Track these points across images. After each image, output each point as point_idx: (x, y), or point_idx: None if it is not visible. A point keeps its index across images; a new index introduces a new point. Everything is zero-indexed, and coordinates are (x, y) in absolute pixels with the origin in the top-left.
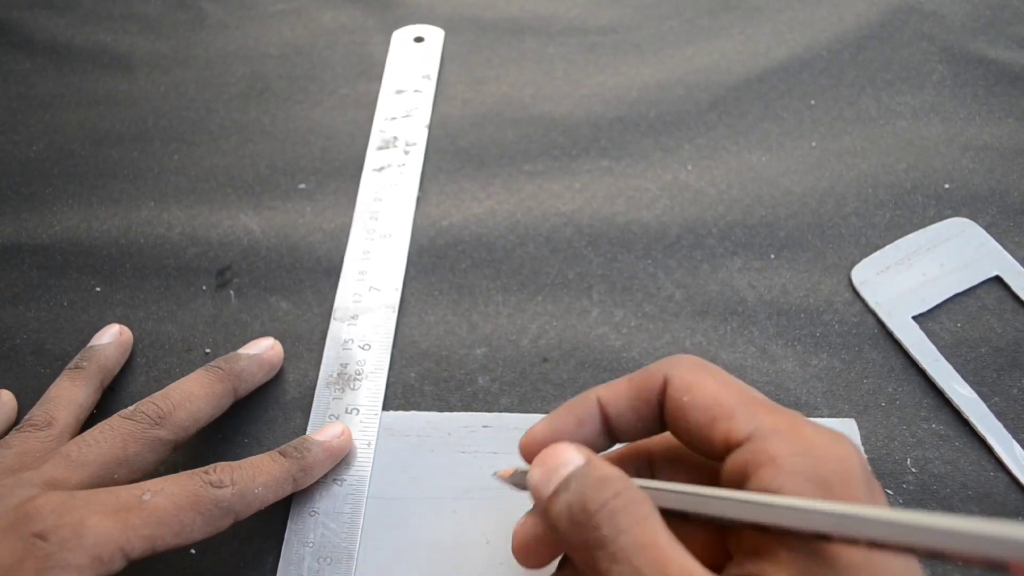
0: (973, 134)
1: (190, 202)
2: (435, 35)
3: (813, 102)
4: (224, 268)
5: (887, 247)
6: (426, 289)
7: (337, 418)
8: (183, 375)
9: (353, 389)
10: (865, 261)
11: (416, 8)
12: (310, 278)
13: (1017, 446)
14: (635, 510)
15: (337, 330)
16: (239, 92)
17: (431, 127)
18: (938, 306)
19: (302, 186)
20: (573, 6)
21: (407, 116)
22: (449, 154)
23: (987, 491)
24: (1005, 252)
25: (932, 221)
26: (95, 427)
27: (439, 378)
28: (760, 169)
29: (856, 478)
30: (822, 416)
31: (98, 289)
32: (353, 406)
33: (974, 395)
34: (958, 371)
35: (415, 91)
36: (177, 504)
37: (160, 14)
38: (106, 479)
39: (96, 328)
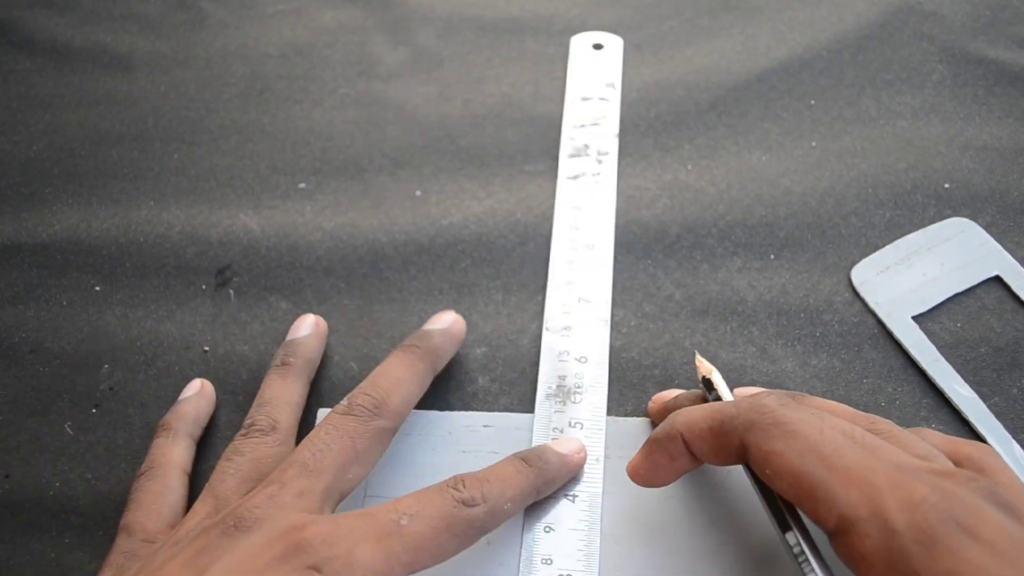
0: (973, 134)
1: (190, 202)
2: (614, 42)
3: (813, 102)
4: (224, 267)
5: (887, 247)
6: (426, 288)
7: (562, 432)
8: (182, 374)
9: (575, 402)
10: (865, 261)
11: (417, 7)
12: (310, 277)
13: (1017, 446)
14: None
15: (552, 342)
16: (239, 92)
17: (431, 128)
18: (938, 306)
19: (302, 186)
20: (573, 6)
21: (596, 124)
22: (449, 153)
23: None
24: (1005, 252)
25: (932, 221)
26: (319, 428)
27: (439, 378)
28: (760, 169)
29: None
30: None
31: (98, 288)
32: (576, 420)
33: (974, 395)
34: (958, 371)
35: (600, 99)
36: (434, 528)
37: (160, 14)
38: (342, 480)
39: (95, 327)
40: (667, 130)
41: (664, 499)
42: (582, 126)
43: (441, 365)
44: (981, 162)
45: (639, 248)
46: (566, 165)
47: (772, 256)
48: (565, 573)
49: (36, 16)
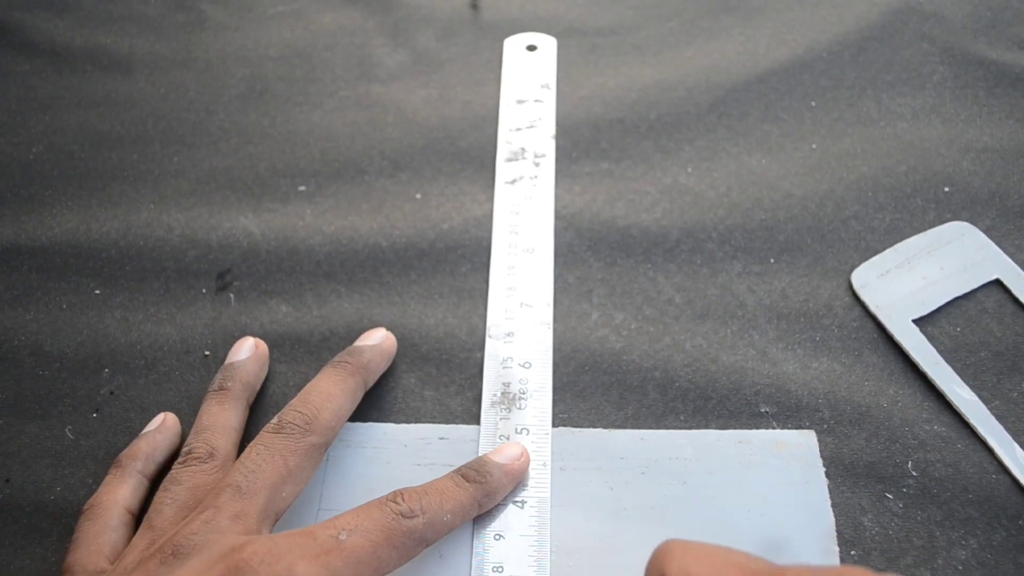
0: (974, 136)
1: (190, 204)
2: (548, 43)
3: (813, 104)
4: (224, 271)
5: (887, 251)
6: (426, 292)
7: (507, 438)
8: (182, 378)
9: (520, 408)
10: (865, 264)
11: (416, 10)
12: (310, 281)
13: (1018, 448)
14: None
15: (495, 348)
16: (239, 94)
17: (431, 130)
18: (938, 310)
19: (302, 188)
20: (573, 7)
21: (531, 127)
22: (449, 156)
23: (988, 494)
24: (1005, 256)
25: (932, 224)
26: (249, 449)
27: (439, 383)
28: (760, 172)
29: None
30: (823, 417)
31: (97, 292)
32: (522, 426)
33: (975, 398)
34: (958, 375)
35: (536, 100)
36: (373, 541)
37: (160, 16)
38: (276, 499)
39: (95, 330)
40: (667, 132)
41: (617, 510)
42: (518, 129)
43: (372, 380)
44: (981, 165)
45: (639, 252)
46: (503, 170)
47: (772, 260)
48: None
49: (36, 18)
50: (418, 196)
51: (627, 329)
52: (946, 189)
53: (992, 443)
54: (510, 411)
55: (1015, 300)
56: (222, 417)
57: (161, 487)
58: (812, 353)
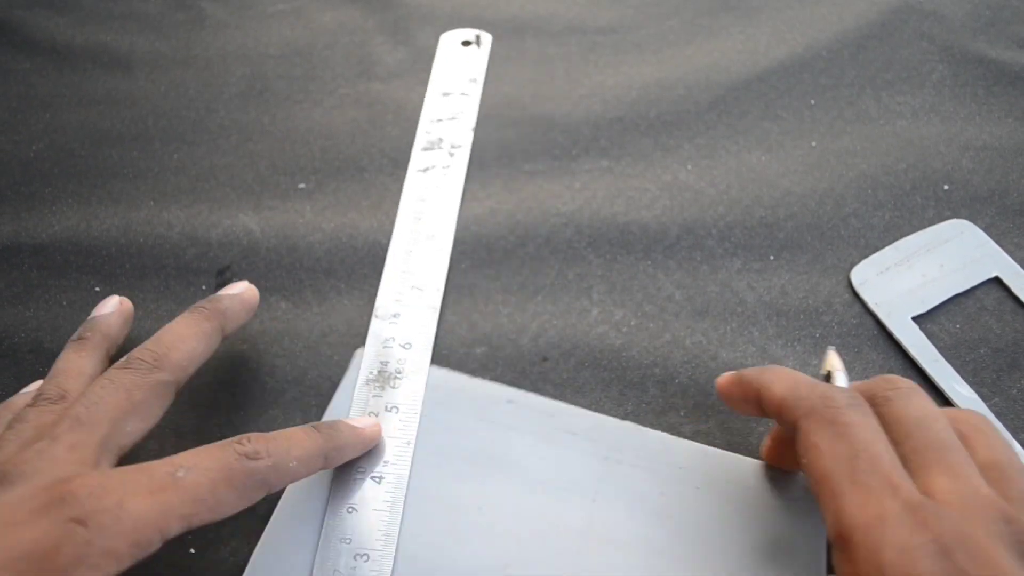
0: (973, 134)
1: (190, 202)
2: (484, 39)
3: (813, 102)
4: (224, 268)
5: (887, 248)
6: None
7: (376, 415)
8: None
9: (393, 388)
10: (865, 262)
11: (416, 8)
12: (309, 278)
13: (1017, 446)
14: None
15: (378, 328)
16: (239, 92)
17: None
18: (937, 307)
19: (302, 186)
20: (573, 5)
21: (453, 119)
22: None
23: None
24: (1004, 253)
25: (931, 222)
26: (95, 383)
27: None
28: (760, 169)
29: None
30: None
31: (97, 289)
32: (393, 404)
33: (974, 395)
34: (958, 372)
35: (461, 94)
36: (212, 480)
37: (160, 14)
38: (119, 433)
39: None
40: (667, 130)
41: (468, 477)
42: (439, 120)
43: (231, 328)
44: (980, 163)
45: (639, 248)
46: (418, 158)
47: (772, 257)
48: (362, 552)
49: (36, 16)
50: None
51: (627, 326)
52: (945, 187)
53: None
54: (383, 389)
55: (1014, 297)
56: (78, 363)
57: (7, 425)
58: (812, 350)
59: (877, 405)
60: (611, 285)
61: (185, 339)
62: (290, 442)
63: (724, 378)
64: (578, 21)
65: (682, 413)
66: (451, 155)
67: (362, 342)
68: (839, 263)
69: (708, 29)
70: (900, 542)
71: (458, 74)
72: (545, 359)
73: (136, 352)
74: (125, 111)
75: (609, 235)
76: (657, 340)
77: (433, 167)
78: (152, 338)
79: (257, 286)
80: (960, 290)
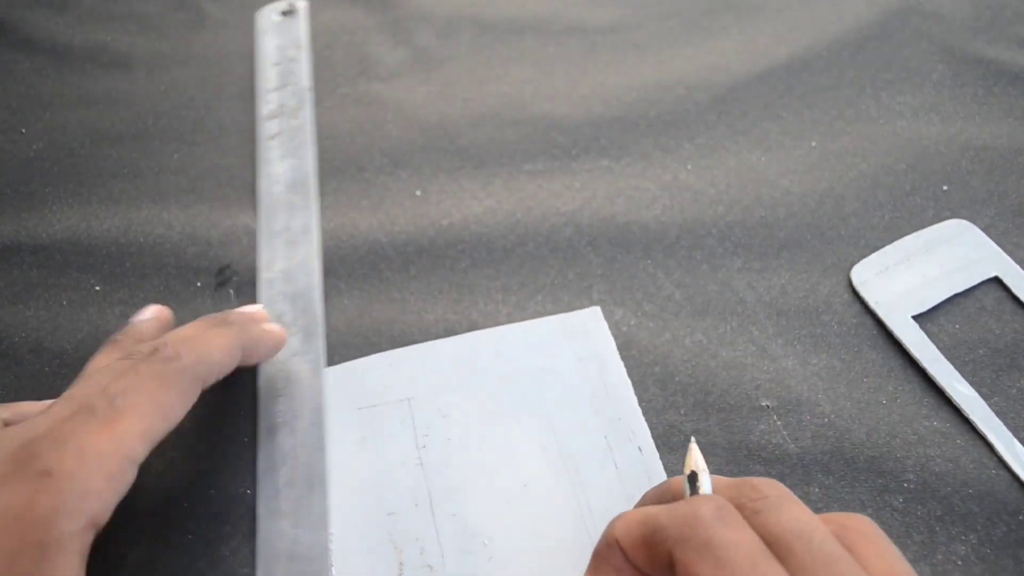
0: (972, 134)
1: (190, 201)
2: (300, 6)
3: (813, 102)
4: (224, 267)
5: (887, 248)
6: (425, 289)
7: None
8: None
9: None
10: (865, 261)
11: (416, 8)
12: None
13: (1018, 444)
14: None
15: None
16: (239, 91)
17: (431, 128)
18: (937, 307)
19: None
20: (573, 5)
21: (286, 85)
22: (449, 153)
23: (988, 489)
24: (1003, 253)
25: (931, 222)
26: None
27: None
28: (760, 169)
29: None
30: (823, 412)
31: (98, 288)
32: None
33: (974, 393)
34: (957, 370)
35: (291, 60)
36: (151, 392)
37: (160, 13)
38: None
39: (96, 327)
40: (667, 130)
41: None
42: (276, 89)
43: (250, 359)
44: (980, 163)
45: (639, 248)
46: (264, 126)
47: (772, 256)
48: (297, 481)
49: (36, 16)
50: (418, 193)
51: (627, 325)
52: (945, 187)
53: (991, 439)
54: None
55: (1014, 297)
56: (106, 363)
57: (28, 422)
58: (812, 349)
59: (746, 518)
60: (611, 284)
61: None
62: (205, 338)
63: None
64: (578, 21)
65: (682, 412)
66: (295, 117)
67: (364, 343)
68: (839, 262)
69: (708, 29)
70: None
71: (283, 43)
72: None
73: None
74: (125, 111)
75: (609, 235)
76: (657, 339)
77: (281, 132)
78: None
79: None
80: (960, 290)
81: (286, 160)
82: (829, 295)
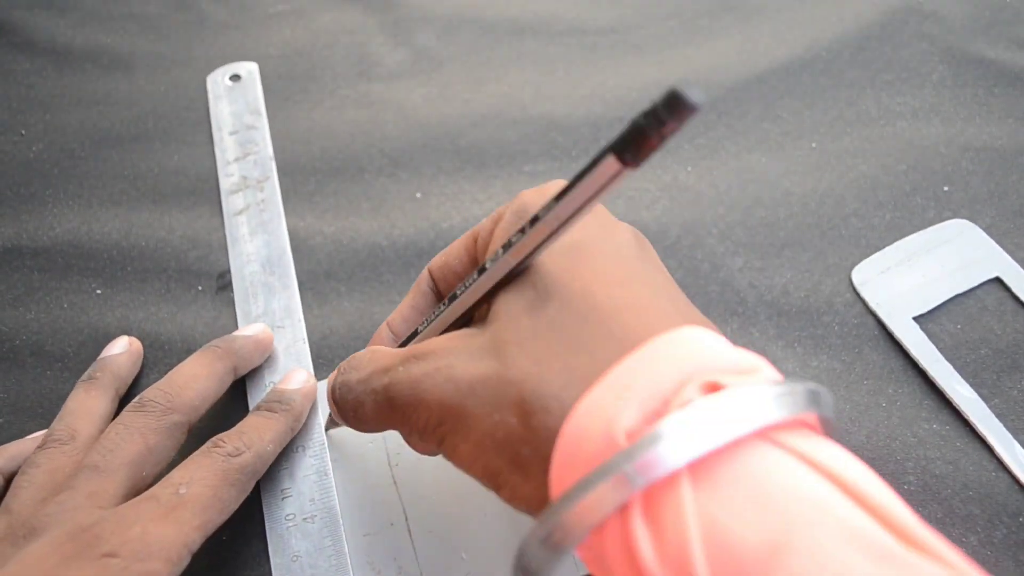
0: (973, 135)
1: (191, 204)
2: (251, 69)
3: (813, 102)
4: (224, 271)
5: (887, 248)
6: None
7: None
8: None
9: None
10: (866, 262)
11: (416, 8)
12: (310, 280)
13: (1018, 446)
14: (358, 361)
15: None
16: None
17: (431, 129)
18: (938, 307)
19: (303, 187)
20: (573, 6)
21: (248, 155)
22: (449, 154)
23: (988, 491)
24: (1005, 253)
25: (932, 223)
26: (109, 429)
27: None
28: (760, 170)
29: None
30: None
31: (99, 291)
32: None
33: (975, 395)
34: (958, 372)
35: (249, 127)
36: (212, 485)
37: (160, 14)
38: (136, 477)
39: (96, 330)
40: None
41: None
42: (236, 160)
43: (244, 368)
44: (980, 164)
45: None
46: (229, 202)
47: (773, 256)
48: (309, 517)
49: (36, 17)
50: (418, 195)
51: None
52: (945, 188)
53: (992, 441)
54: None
55: (1015, 298)
56: (87, 404)
57: (20, 471)
58: (812, 351)
59: None
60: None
61: (197, 379)
62: (259, 430)
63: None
64: (578, 22)
65: None
66: (261, 189)
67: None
68: (840, 262)
69: (708, 30)
70: None
71: (238, 110)
72: None
73: (148, 393)
74: (126, 112)
75: None
76: None
77: (248, 207)
78: (164, 378)
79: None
80: (961, 290)
81: (257, 237)
82: (830, 295)
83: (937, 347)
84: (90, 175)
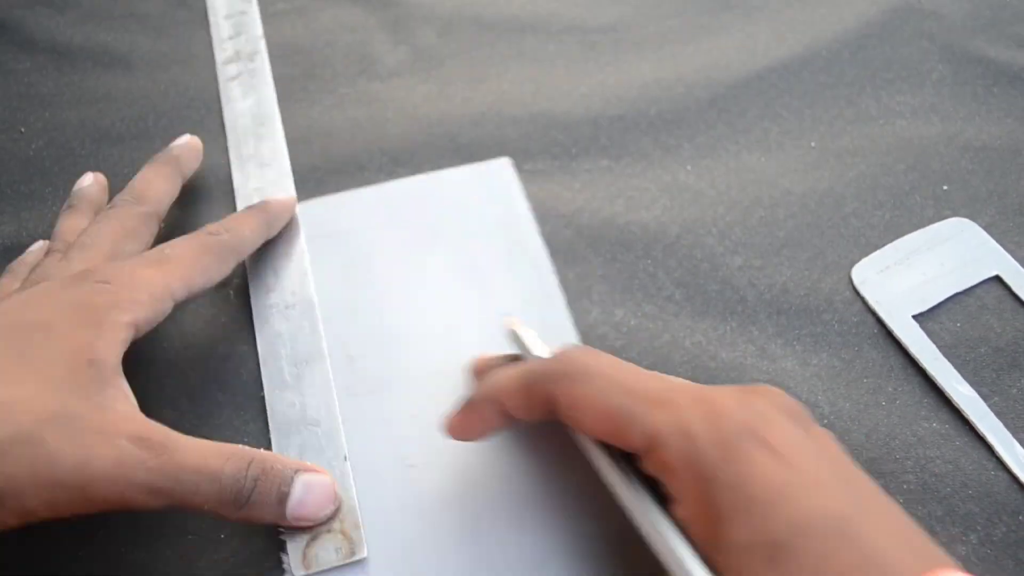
0: (972, 134)
1: (190, 200)
2: None
3: (812, 101)
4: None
5: (887, 247)
6: None
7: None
8: (182, 373)
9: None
10: (865, 260)
11: (417, 7)
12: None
13: (1018, 445)
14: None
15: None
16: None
17: (431, 126)
18: (938, 306)
19: (303, 185)
20: (573, 5)
21: (240, 34)
22: (449, 152)
23: (988, 490)
24: (1004, 252)
25: (931, 221)
26: (91, 223)
27: None
28: (760, 169)
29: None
30: (822, 413)
31: None
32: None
33: (974, 394)
34: (958, 371)
35: (240, 12)
36: (194, 251)
37: (161, 13)
38: (119, 252)
39: None
40: (667, 128)
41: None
42: (230, 38)
43: (187, 169)
44: (980, 163)
45: (639, 248)
46: (223, 70)
47: (772, 255)
48: (300, 359)
49: (36, 15)
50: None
51: (627, 326)
52: (945, 187)
53: (991, 439)
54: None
55: (1015, 296)
56: (73, 223)
57: (25, 277)
58: (812, 349)
59: None
60: (611, 285)
61: (154, 180)
62: (239, 222)
63: (455, 419)
64: (578, 20)
65: None
66: (252, 60)
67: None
68: (839, 261)
69: (708, 28)
70: (705, 414)
71: None
72: None
73: (118, 196)
74: (125, 110)
75: (609, 235)
76: (657, 340)
77: (240, 74)
78: (127, 185)
79: None
80: (960, 289)
81: (249, 97)
82: (829, 294)
83: (937, 345)
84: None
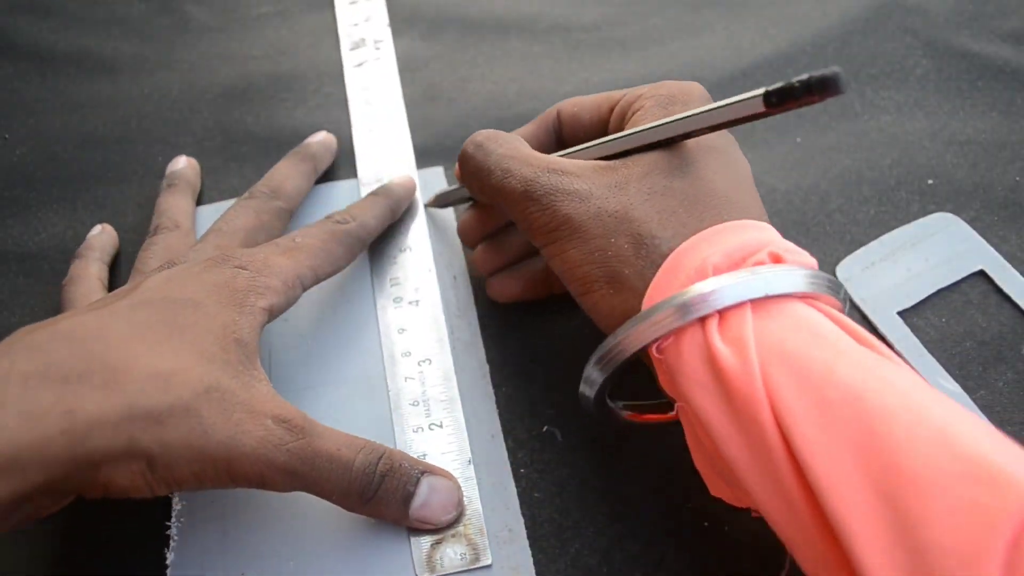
0: (957, 128)
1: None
2: None
3: None
4: None
5: (872, 243)
6: None
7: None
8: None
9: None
10: (850, 257)
11: (400, 9)
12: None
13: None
14: (502, 139)
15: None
16: (223, 93)
17: (416, 128)
18: (923, 301)
19: None
20: (557, 4)
21: (368, 20)
22: (434, 154)
23: None
24: (989, 246)
25: (916, 217)
26: (228, 210)
27: None
28: None
29: (693, 95)
30: None
31: None
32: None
33: (959, 389)
34: (943, 366)
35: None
36: (323, 240)
37: (143, 17)
38: (251, 242)
39: None
40: None
41: None
42: (356, 24)
43: (322, 167)
44: (965, 157)
45: None
46: (349, 57)
47: None
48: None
49: (19, 20)
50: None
51: None
52: (930, 181)
53: None
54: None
55: (999, 290)
56: (176, 202)
57: (140, 254)
58: None
59: None
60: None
61: (292, 176)
62: (363, 207)
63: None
64: (563, 19)
65: None
66: (377, 48)
67: None
68: (825, 258)
69: (692, 26)
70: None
71: None
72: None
73: (255, 188)
74: (109, 115)
75: None
76: None
77: (366, 61)
78: (264, 177)
79: None
80: (945, 284)
81: (369, 91)
82: None
83: (922, 341)
84: (74, 178)
